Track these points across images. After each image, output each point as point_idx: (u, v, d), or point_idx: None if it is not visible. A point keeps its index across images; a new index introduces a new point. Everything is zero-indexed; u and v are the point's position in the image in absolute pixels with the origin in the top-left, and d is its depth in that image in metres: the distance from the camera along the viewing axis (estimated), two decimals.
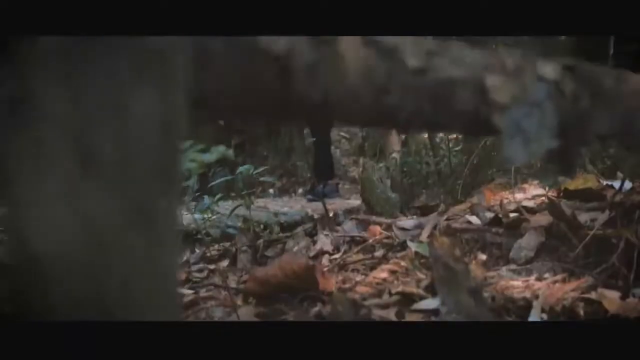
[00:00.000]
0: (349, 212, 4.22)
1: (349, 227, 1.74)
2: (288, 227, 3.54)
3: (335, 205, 4.41)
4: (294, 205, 4.78)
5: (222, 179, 2.70)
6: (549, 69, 0.70)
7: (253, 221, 2.60)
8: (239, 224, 2.65)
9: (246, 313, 1.33)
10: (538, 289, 1.30)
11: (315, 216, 4.13)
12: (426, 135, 4.79)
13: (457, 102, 0.62)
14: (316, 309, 1.34)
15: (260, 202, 3.86)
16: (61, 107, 0.36)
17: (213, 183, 2.68)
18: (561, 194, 1.67)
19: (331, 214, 3.18)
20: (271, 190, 5.31)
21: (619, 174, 1.76)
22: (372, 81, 0.56)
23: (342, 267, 1.58)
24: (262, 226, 2.69)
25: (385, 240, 1.64)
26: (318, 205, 4.06)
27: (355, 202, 4.57)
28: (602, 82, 0.78)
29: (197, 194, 2.62)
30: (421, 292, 1.31)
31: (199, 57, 0.45)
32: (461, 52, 0.64)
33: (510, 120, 0.67)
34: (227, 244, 1.97)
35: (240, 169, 2.67)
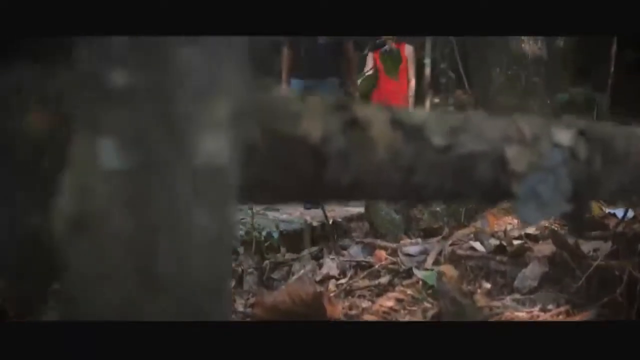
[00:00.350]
0: (349, 219, 4.24)
1: (355, 251, 1.77)
2: (288, 235, 3.56)
3: (335, 213, 4.43)
4: (293, 212, 4.79)
5: None
6: (564, 135, 0.73)
7: (255, 231, 2.62)
8: (241, 232, 2.68)
9: None
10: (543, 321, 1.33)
11: (315, 224, 4.15)
12: None
13: (478, 174, 0.65)
14: None
15: (258, 208, 3.87)
16: (122, 220, 0.39)
17: None
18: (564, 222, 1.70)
19: (330, 221, 3.20)
20: None
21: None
22: (400, 162, 0.58)
23: (349, 292, 1.61)
24: (263, 237, 2.71)
25: (390, 266, 1.67)
26: (317, 212, 4.07)
27: (355, 209, 4.58)
28: (613, 142, 0.80)
29: None
30: None
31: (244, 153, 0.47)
32: (482, 124, 0.66)
33: (526, 186, 0.70)
34: (233, 265, 1.99)
35: None
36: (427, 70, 5.41)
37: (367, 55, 4.80)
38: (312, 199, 0.54)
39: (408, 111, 0.61)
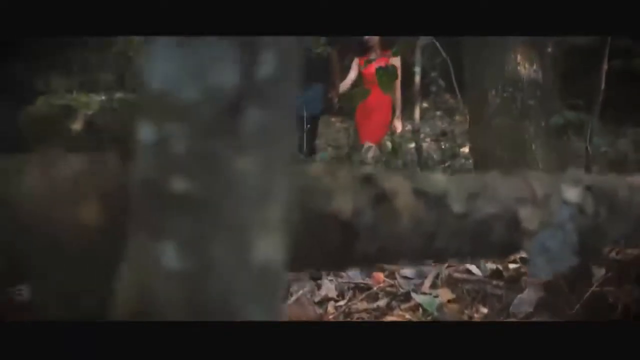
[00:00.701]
0: None
1: (353, 273, 1.80)
2: None
3: None
4: None
5: None
6: (572, 193, 0.76)
7: None
8: None
9: None
10: None
11: None
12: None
13: (493, 235, 0.68)
14: None
15: None
16: (179, 318, 0.41)
17: None
18: None
19: None
20: None
21: None
22: (423, 229, 0.61)
23: (348, 315, 1.63)
24: None
25: (388, 289, 1.69)
26: None
27: None
28: (618, 193, 0.84)
29: None
30: None
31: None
32: (496, 186, 0.69)
33: (536, 243, 0.73)
34: None
35: None
36: (417, 79, 5.42)
37: (352, 63, 4.81)
38: (339, 268, 0.56)
39: (430, 179, 0.63)
